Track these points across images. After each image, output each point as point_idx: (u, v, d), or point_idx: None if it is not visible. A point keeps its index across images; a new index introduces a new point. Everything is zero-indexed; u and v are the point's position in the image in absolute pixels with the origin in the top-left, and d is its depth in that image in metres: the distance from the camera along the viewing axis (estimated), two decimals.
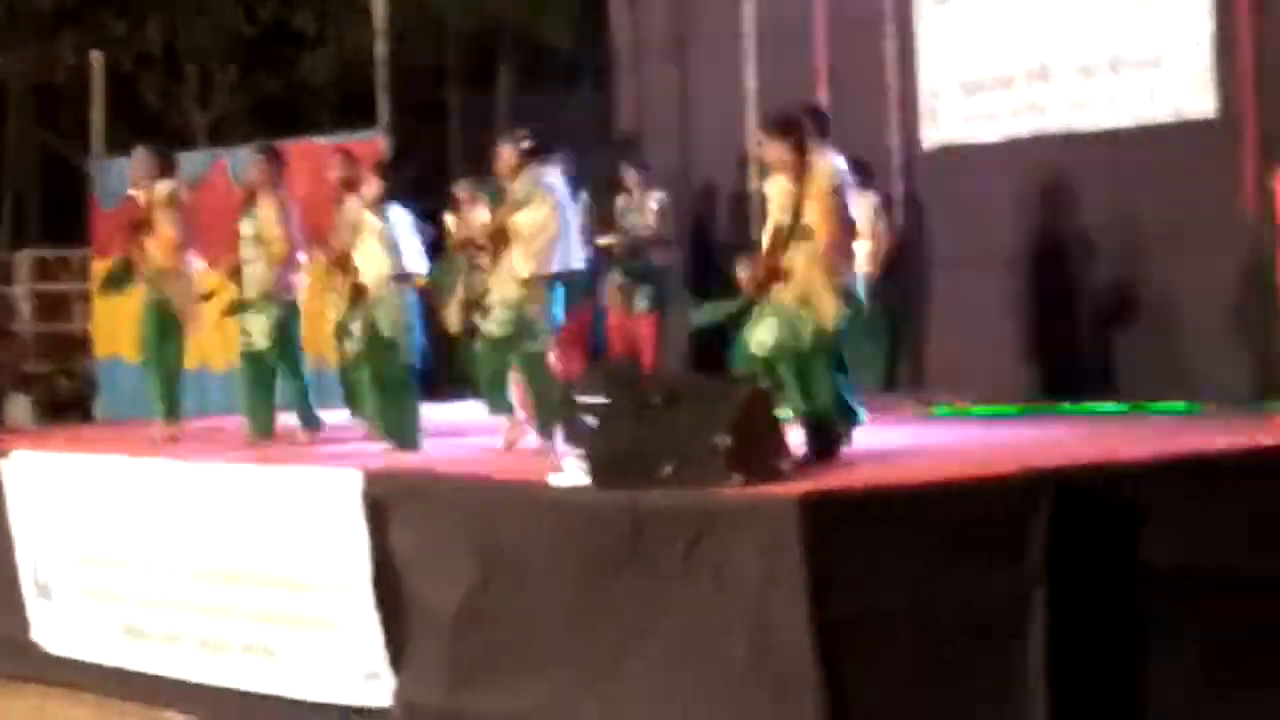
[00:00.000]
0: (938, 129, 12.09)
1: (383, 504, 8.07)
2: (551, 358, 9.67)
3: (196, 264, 10.95)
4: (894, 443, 8.87)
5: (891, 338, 11.63)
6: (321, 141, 13.47)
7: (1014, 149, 11.58)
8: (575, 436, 7.59)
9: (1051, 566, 6.80)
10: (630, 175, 12.48)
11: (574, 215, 10.08)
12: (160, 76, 22.19)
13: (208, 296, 10.86)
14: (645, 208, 12.39)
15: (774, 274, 8.18)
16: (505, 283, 9.60)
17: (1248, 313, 10.14)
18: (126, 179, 11.44)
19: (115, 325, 14.05)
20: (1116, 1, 11.13)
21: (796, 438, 7.99)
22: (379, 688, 8.07)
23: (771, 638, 6.54)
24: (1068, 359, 11.27)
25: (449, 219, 11.81)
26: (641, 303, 12.40)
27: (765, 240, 8.30)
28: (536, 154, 9.69)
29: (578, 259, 9.88)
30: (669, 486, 7.03)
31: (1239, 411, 9.28)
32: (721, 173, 13.12)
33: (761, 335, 8.20)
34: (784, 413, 7.99)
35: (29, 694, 9.77)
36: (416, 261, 10.03)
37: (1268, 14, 10.44)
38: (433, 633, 7.87)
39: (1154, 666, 7.07)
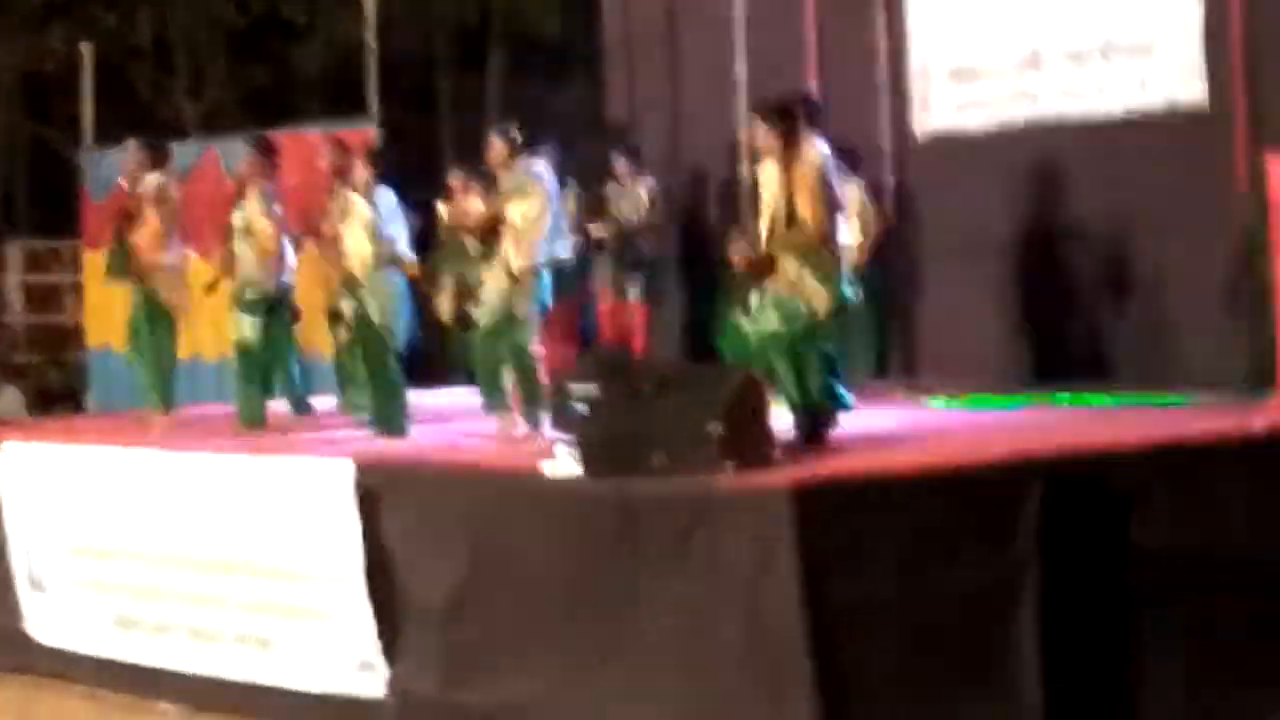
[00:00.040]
0: (929, 117, 12.08)
1: (375, 493, 8.06)
2: (540, 348, 9.67)
3: (188, 254, 10.96)
4: (886, 430, 8.86)
5: (880, 325, 11.62)
6: (312, 131, 13.45)
7: (1005, 137, 11.57)
8: (567, 425, 7.58)
9: (1043, 552, 6.81)
10: (621, 163, 12.47)
11: (561, 205, 10.10)
12: (151, 68, 22.16)
13: (212, 288, 10.85)
14: (636, 196, 12.38)
15: (767, 264, 8.18)
16: (497, 274, 9.61)
17: (1240, 299, 10.14)
18: (117, 170, 11.44)
19: (107, 316, 14.03)
20: None
21: (784, 425, 7.99)
22: (372, 678, 8.07)
23: (764, 625, 6.55)
24: (1059, 346, 11.27)
25: (441, 207, 11.80)
26: (632, 291, 12.39)
27: (762, 226, 8.29)
28: (527, 145, 9.71)
29: (564, 248, 9.89)
30: (661, 475, 7.03)
31: (1231, 397, 9.28)
32: (712, 160, 13.10)
33: (754, 323, 8.21)
34: (776, 401, 7.99)
35: (21, 685, 9.77)
36: (405, 247, 10.02)
37: (1258, 0, 10.43)
38: (426, 622, 7.87)
39: (1144, 650, 7.09)
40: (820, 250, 8.15)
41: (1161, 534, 7.16)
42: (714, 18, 12.84)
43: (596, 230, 12.23)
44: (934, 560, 6.70)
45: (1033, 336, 11.38)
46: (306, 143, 12.45)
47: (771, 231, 8.20)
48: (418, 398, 10.17)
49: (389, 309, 9.77)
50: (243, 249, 10.44)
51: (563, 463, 7.43)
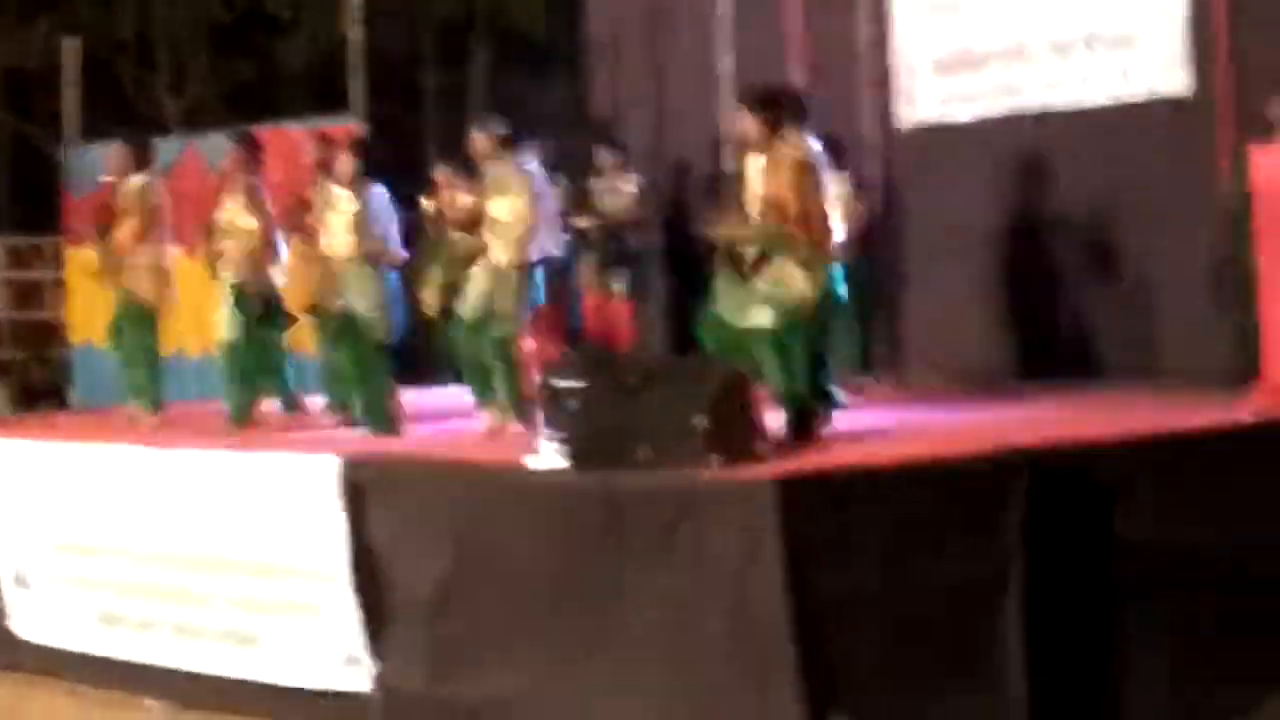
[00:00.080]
0: (913, 109, 12.09)
1: (361, 489, 8.05)
2: (526, 342, 9.66)
3: (171, 251, 10.93)
4: (870, 423, 8.87)
5: (864, 318, 11.61)
6: (296, 127, 13.43)
7: (989, 128, 11.57)
8: (552, 419, 7.57)
9: (1028, 544, 6.82)
10: (605, 158, 12.46)
11: (549, 200, 10.08)
12: (133, 63, 22.10)
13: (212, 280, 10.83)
14: (621, 190, 12.37)
15: (754, 258, 8.18)
16: (481, 269, 9.59)
17: (1224, 290, 10.15)
18: (99, 166, 11.41)
19: (90, 312, 14.00)
20: None
21: (775, 419, 7.99)
22: (358, 673, 8.06)
23: (750, 618, 6.55)
24: (1044, 338, 11.28)
25: (426, 203, 11.78)
26: (618, 285, 12.38)
27: (754, 217, 8.27)
28: (512, 140, 9.69)
29: (554, 244, 9.88)
30: (647, 468, 7.03)
31: (1215, 388, 9.29)
32: (697, 154, 13.09)
33: (740, 315, 8.19)
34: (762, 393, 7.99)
35: (6, 682, 9.74)
36: (393, 241, 10.01)
37: None
38: (412, 617, 7.86)
39: (1129, 642, 7.09)
40: (807, 243, 8.14)
41: (1146, 526, 7.17)
42: (698, 12, 12.84)
43: (580, 223, 12.22)
44: (919, 552, 6.70)
45: (1018, 327, 11.39)
46: (290, 138, 12.44)
47: (758, 224, 8.18)
48: (408, 395, 10.14)
49: (376, 304, 9.74)
50: (229, 246, 10.41)
51: (548, 457, 7.42)
